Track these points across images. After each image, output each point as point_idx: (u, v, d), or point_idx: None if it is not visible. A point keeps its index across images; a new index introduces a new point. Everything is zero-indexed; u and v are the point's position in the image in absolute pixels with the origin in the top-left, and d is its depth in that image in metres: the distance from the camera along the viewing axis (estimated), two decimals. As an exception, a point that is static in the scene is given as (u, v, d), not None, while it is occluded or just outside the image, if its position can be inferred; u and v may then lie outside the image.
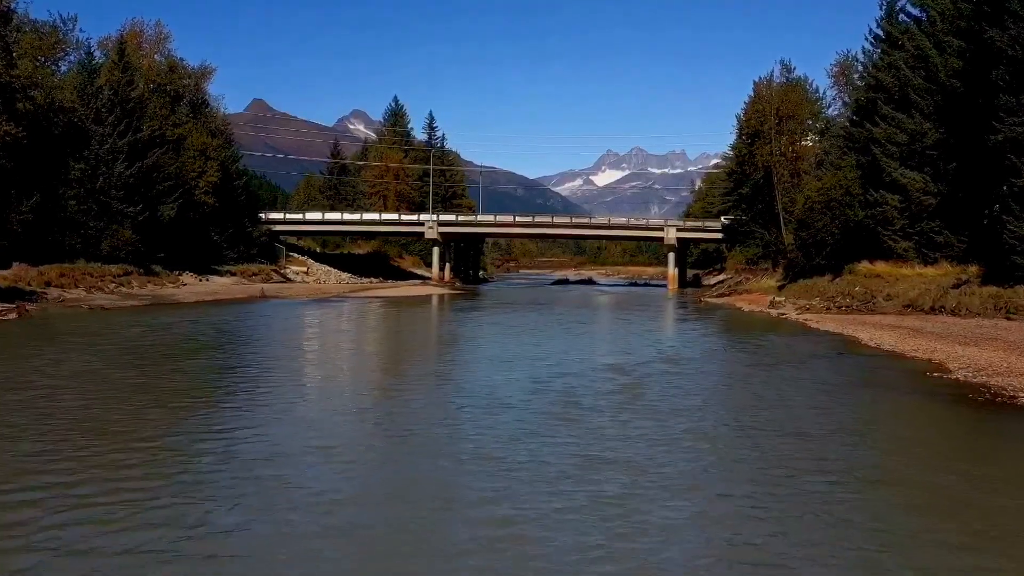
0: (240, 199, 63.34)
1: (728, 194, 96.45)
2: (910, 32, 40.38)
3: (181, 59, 62.40)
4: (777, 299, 41.82)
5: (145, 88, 58.07)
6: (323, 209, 79.49)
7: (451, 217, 72.75)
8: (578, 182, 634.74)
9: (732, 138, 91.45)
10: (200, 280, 53.07)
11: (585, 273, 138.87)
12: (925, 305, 31.41)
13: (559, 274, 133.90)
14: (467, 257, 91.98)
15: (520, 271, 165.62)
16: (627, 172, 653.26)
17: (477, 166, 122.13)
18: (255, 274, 60.42)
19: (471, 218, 73.66)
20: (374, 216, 72.41)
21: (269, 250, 66.71)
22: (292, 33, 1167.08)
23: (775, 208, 60.65)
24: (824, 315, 33.44)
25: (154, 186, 51.87)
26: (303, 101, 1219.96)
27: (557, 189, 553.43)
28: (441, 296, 53.98)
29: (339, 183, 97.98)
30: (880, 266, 37.18)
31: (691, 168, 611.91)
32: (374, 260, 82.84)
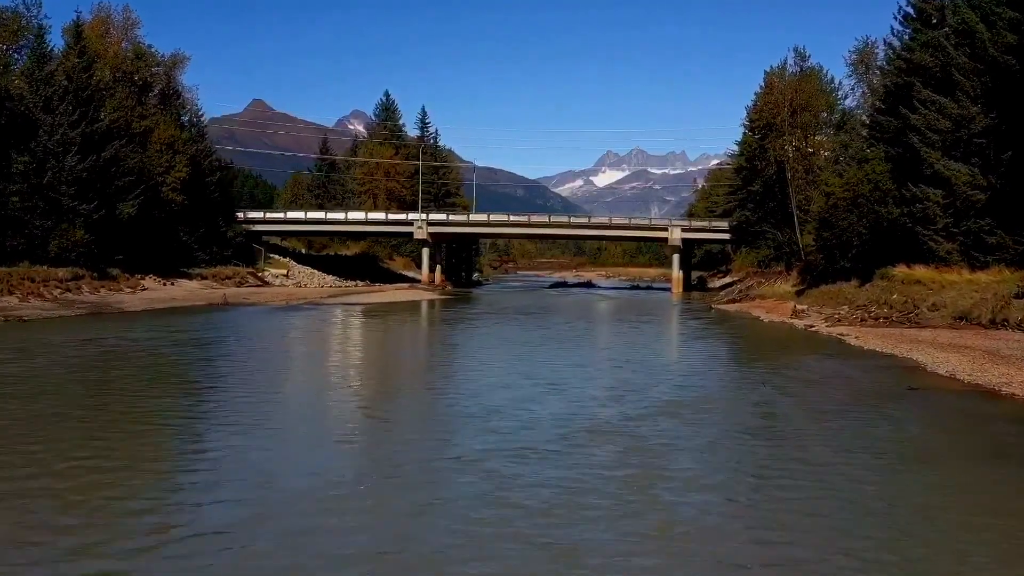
0: (213, 196, 58.26)
1: (733, 193, 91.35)
2: (950, 5, 35.24)
3: (150, 46, 57.39)
4: (799, 307, 36.75)
5: (109, 76, 53.21)
6: (307, 208, 74.39)
7: (441, 216, 67.51)
8: (578, 183, 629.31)
9: (738, 134, 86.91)
10: (164, 284, 48.06)
11: (584, 275, 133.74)
12: (983, 317, 26.32)
13: (558, 276, 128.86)
14: (461, 258, 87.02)
15: (518, 272, 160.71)
16: (627, 172, 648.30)
17: (475, 164, 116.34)
18: (228, 277, 55.36)
19: (463, 217, 68.39)
20: (360, 215, 67.19)
21: (247, 251, 61.67)
22: (291, 34, 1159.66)
23: (788, 207, 55.59)
24: (860, 328, 28.35)
25: (112, 181, 46.76)
26: (303, 102, 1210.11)
27: (557, 190, 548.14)
28: (426, 302, 48.91)
29: (328, 181, 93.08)
30: (920, 271, 32.05)
31: (691, 168, 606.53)
32: (362, 262, 77.84)
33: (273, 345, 22.94)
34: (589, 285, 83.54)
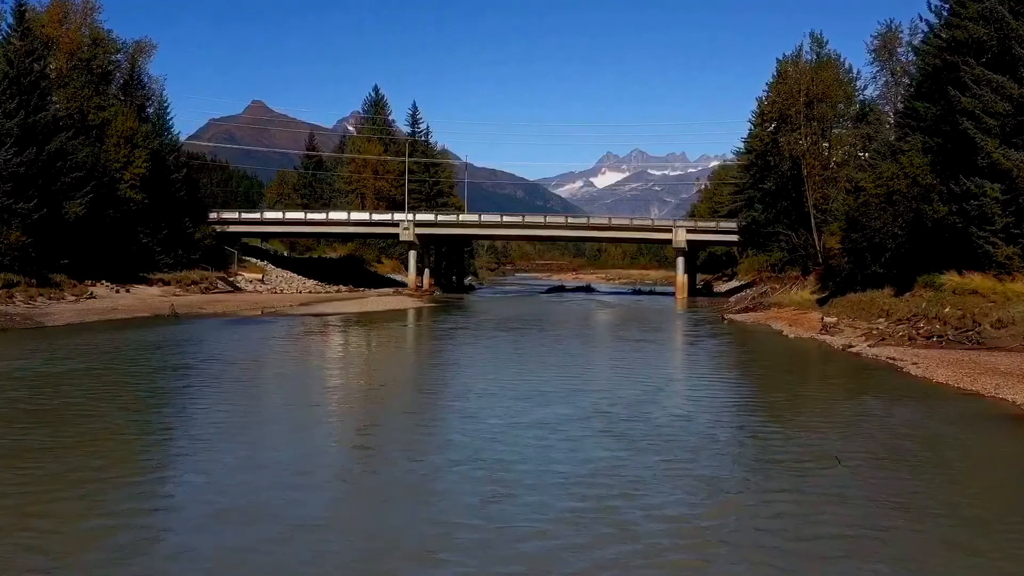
0: (179, 195, 53.09)
1: (740, 192, 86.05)
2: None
3: (110, 31, 52.20)
4: (828, 319, 31.48)
5: (64, 64, 48.19)
6: (289, 208, 69.19)
7: (429, 216, 62.10)
8: (578, 184, 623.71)
9: (744, 131, 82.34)
10: (117, 291, 42.94)
11: (584, 278, 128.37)
12: (1069, 339, 21.11)
13: (557, 279, 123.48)
14: (453, 261, 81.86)
15: (516, 275, 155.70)
16: (627, 174, 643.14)
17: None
18: (195, 282, 50.24)
19: (452, 218, 62.92)
20: (341, 215, 61.76)
21: (218, 254, 56.46)
22: (290, 35, 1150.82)
23: (804, 206, 50.34)
24: (912, 349, 23.07)
25: (59, 177, 41.65)
26: (302, 104, 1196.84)
27: (557, 191, 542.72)
28: (407, 311, 43.65)
29: (314, 180, 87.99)
30: (976, 279, 26.71)
31: (691, 170, 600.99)
32: (348, 265, 72.68)
33: (197, 375, 17.64)
34: (588, 290, 78.26)
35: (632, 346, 27.48)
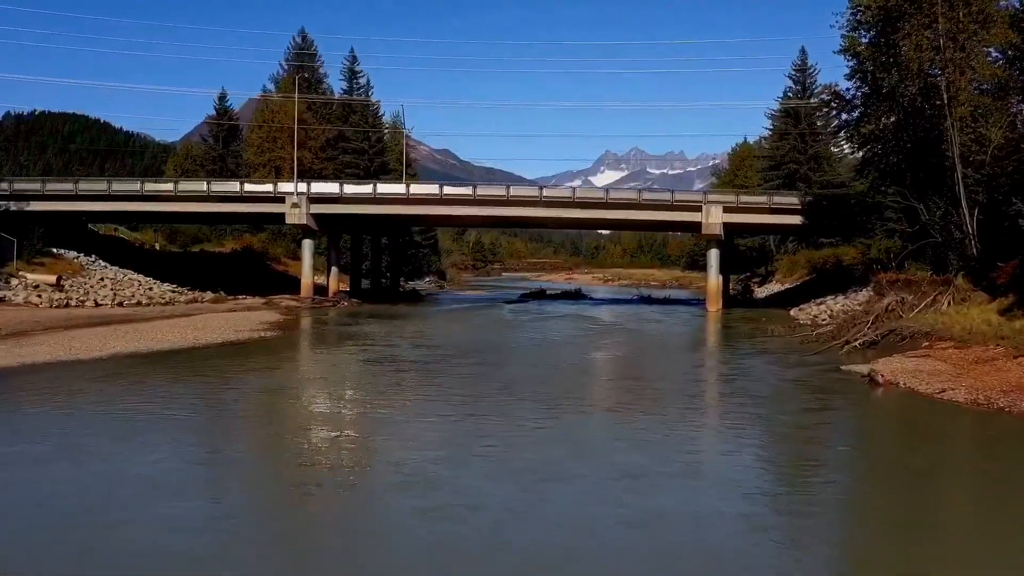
0: None
1: (776, 167, 64.50)
2: None
3: None
4: None
5: None
6: (119, 178, 47.37)
7: (331, 187, 39.92)
8: (576, 183, 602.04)
9: (783, 87, 61.18)
10: None
11: (578, 278, 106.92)
12: None
13: (547, 279, 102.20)
14: (405, 257, 60.22)
15: (504, 274, 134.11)
16: (626, 173, 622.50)
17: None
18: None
19: (365, 189, 40.30)
20: (197, 187, 39.57)
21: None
22: (286, 32, 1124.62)
23: (946, 158, 28.55)
24: None
25: None
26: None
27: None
28: (262, 342, 21.82)
29: (226, 153, 66.18)
30: None
31: (690, 168, 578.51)
32: (242, 263, 51.06)
33: None
34: (576, 295, 56.40)
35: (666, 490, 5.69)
